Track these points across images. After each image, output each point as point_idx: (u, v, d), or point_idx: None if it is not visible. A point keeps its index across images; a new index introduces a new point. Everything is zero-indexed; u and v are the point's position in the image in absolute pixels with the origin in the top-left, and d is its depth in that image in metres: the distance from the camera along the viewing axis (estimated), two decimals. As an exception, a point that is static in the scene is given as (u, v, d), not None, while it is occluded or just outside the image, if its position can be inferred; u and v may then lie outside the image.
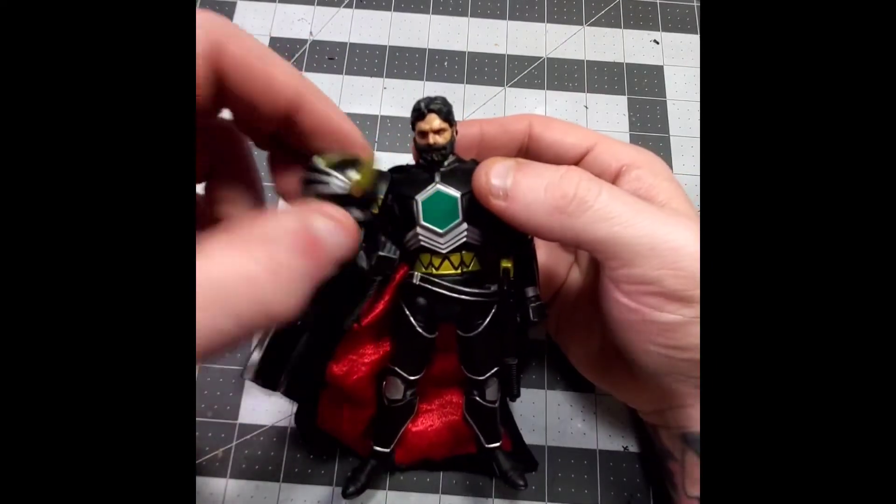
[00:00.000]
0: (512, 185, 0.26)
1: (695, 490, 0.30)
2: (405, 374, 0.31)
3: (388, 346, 0.33)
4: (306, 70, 0.47)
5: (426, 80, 0.47)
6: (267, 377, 0.36)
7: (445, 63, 0.48)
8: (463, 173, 0.29)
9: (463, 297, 0.29)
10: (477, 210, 0.28)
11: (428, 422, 0.35)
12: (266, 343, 0.36)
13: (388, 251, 0.29)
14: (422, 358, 0.32)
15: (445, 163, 0.29)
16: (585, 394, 0.39)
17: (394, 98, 0.46)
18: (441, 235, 0.29)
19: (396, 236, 0.30)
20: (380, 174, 0.29)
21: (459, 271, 0.29)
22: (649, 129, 0.46)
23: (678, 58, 0.49)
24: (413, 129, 0.30)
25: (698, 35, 0.50)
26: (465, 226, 0.29)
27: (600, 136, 0.32)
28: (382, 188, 0.29)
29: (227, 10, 0.49)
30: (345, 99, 0.46)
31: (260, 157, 0.29)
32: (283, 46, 0.48)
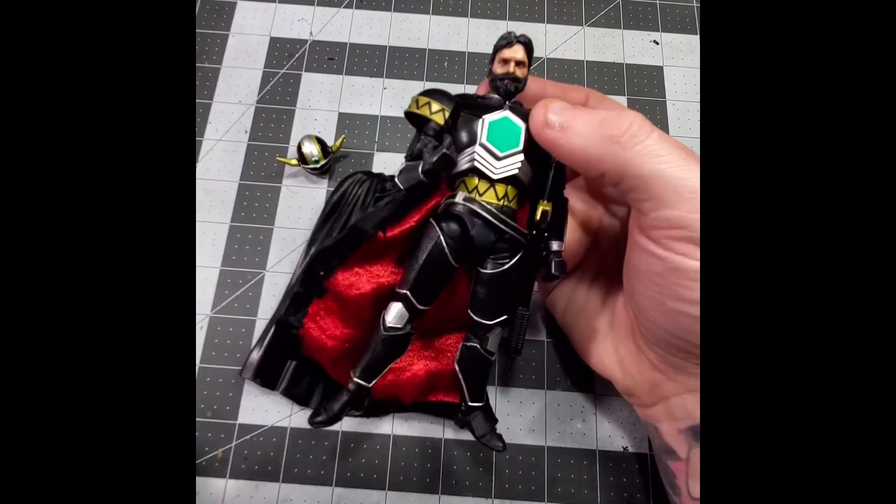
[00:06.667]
0: (570, 119, 0.28)
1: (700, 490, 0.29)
2: (414, 301, 0.30)
3: (401, 273, 0.32)
4: (306, 70, 0.47)
5: (426, 80, 0.47)
6: (266, 376, 0.37)
7: (445, 63, 0.48)
8: (526, 114, 0.30)
9: (502, 226, 0.29)
10: (535, 148, 0.29)
11: (407, 361, 0.34)
12: (266, 342, 0.36)
13: (452, 152, 0.29)
14: (438, 287, 0.31)
15: (512, 100, 0.30)
16: (585, 394, 0.39)
17: (394, 98, 0.46)
18: (498, 159, 0.29)
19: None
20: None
21: (501, 203, 0.30)
22: (649, 129, 0.46)
23: (678, 58, 0.49)
24: (492, 60, 0.31)
25: (698, 35, 0.50)
26: (521, 156, 0.29)
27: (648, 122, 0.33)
28: (449, 103, 0.30)
29: (227, 10, 0.49)
30: (345, 99, 0.46)
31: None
32: (283, 46, 0.48)
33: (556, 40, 0.49)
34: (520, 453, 0.37)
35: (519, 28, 0.49)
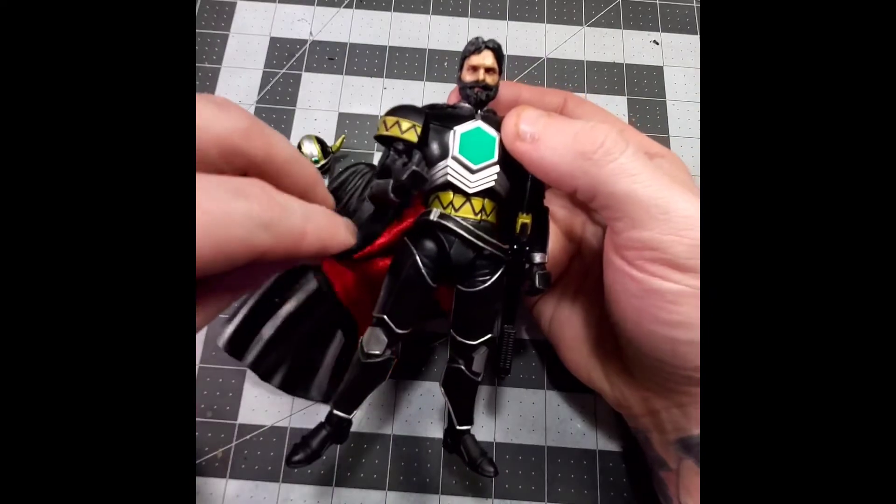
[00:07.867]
0: (542, 130, 0.27)
1: (691, 502, 0.29)
2: (392, 325, 0.28)
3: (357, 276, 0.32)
4: (306, 70, 0.47)
5: (426, 80, 0.47)
6: (236, 347, 0.36)
7: (445, 63, 0.48)
8: (500, 123, 0.29)
9: (480, 243, 0.28)
10: (511, 159, 0.28)
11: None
12: (243, 314, 0.36)
13: (422, 168, 0.27)
14: (416, 309, 0.29)
15: (484, 108, 0.29)
16: (585, 394, 0.38)
17: (394, 98, 0.46)
18: (472, 172, 0.28)
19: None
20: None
21: (479, 218, 0.28)
22: (649, 129, 0.46)
23: (678, 58, 0.49)
24: (461, 67, 0.29)
25: (698, 35, 0.50)
26: (497, 168, 0.28)
27: (629, 126, 0.33)
28: (419, 118, 0.28)
29: (227, 11, 0.49)
30: (345, 99, 0.46)
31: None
32: (283, 46, 0.48)
33: (556, 40, 0.49)
34: (520, 453, 0.37)
35: (519, 28, 0.49)
